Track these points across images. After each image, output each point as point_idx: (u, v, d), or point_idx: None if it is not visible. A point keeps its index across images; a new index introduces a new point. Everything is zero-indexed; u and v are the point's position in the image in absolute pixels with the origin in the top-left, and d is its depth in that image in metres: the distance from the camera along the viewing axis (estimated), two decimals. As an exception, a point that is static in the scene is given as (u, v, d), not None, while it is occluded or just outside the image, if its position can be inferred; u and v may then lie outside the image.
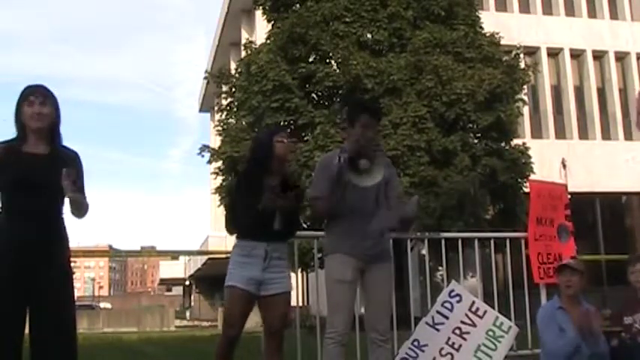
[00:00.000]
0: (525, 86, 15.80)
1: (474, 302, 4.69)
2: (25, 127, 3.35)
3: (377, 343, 3.87)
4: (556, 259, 6.15)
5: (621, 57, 22.78)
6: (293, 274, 6.55)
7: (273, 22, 15.23)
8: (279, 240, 3.92)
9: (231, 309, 3.91)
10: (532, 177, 14.68)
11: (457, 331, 4.54)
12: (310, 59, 14.16)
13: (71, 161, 3.41)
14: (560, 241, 6.29)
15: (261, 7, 15.61)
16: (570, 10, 22.82)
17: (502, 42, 15.07)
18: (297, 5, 14.59)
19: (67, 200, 3.39)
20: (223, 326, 3.97)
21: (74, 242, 3.69)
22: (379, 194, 3.89)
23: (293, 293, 4.30)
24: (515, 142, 14.87)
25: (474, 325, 4.57)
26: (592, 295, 5.07)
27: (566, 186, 7.54)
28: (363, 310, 4.07)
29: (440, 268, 6.64)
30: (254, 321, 4.05)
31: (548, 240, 6.23)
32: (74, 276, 3.63)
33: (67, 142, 3.54)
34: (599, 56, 22.66)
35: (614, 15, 23.11)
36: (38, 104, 3.33)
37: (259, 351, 5.26)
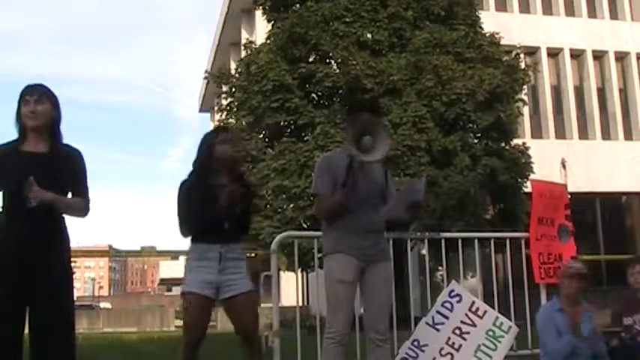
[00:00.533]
0: (525, 86, 15.81)
1: (473, 302, 4.69)
2: (24, 127, 3.36)
3: (376, 343, 3.87)
4: (556, 259, 6.15)
5: (621, 57, 22.78)
6: (293, 274, 6.56)
7: (273, 22, 15.23)
8: (233, 241, 3.83)
9: (189, 316, 3.81)
10: (532, 177, 14.70)
11: (457, 331, 4.54)
12: (310, 59, 14.17)
13: (71, 160, 3.42)
14: (561, 241, 6.28)
15: (261, 7, 15.62)
16: (570, 10, 22.82)
17: (502, 42, 15.08)
18: (297, 5, 14.59)
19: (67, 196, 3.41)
20: (183, 333, 3.85)
21: (74, 242, 3.69)
22: (382, 189, 3.93)
23: (293, 293, 4.29)
24: (515, 142, 14.88)
25: (474, 325, 4.57)
26: (592, 295, 5.06)
27: (566, 186, 7.53)
28: (362, 310, 4.06)
29: (440, 268, 6.64)
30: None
31: (549, 240, 6.23)
32: (74, 276, 3.63)
33: (67, 142, 3.54)
34: (599, 56, 22.66)
35: (614, 15, 23.11)
36: (33, 102, 3.34)
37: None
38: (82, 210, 3.44)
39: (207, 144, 3.92)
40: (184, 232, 3.89)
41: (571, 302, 4.50)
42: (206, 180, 3.84)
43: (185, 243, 3.99)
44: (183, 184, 3.91)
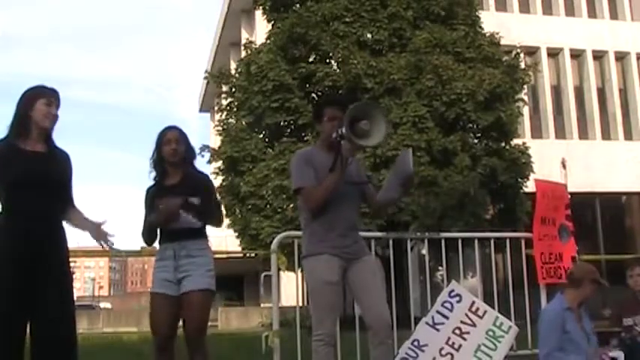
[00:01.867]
0: (525, 86, 15.81)
1: (473, 302, 4.69)
2: (30, 123, 3.35)
3: (378, 339, 3.83)
4: (557, 259, 6.15)
5: (621, 57, 22.78)
6: (293, 274, 6.55)
7: (273, 22, 15.23)
8: (188, 238, 3.79)
9: (153, 314, 3.82)
10: (532, 177, 14.70)
11: (457, 331, 4.53)
12: (310, 59, 14.17)
13: (65, 161, 3.46)
14: (561, 241, 6.28)
15: (261, 7, 15.61)
16: (570, 10, 22.82)
17: (502, 42, 15.08)
18: (297, 5, 14.59)
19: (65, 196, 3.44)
20: (152, 335, 3.83)
21: (74, 242, 3.70)
22: (361, 186, 3.90)
23: (293, 293, 4.27)
24: (515, 142, 14.88)
25: (473, 325, 4.57)
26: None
27: (566, 185, 7.53)
28: (359, 310, 4.04)
29: (440, 268, 6.64)
30: (256, 321, 4.04)
31: (551, 240, 6.23)
32: (74, 276, 3.64)
33: (66, 142, 3.57)
34: (599, 56, 22.66)
35: (614, 15, 23.11)
36: (55, 107, 3.39)
37: (260, 351, 5.26)
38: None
39: (157, 144, 3.87)
40: (146, 239, 3.90)
41: (579, 303, 4.48)
42: (162, 183, 3.85)
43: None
44: (149, 190, 3.89)
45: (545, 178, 7.54)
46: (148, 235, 3.89)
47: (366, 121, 3.60)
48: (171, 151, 3.82)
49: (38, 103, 3.35)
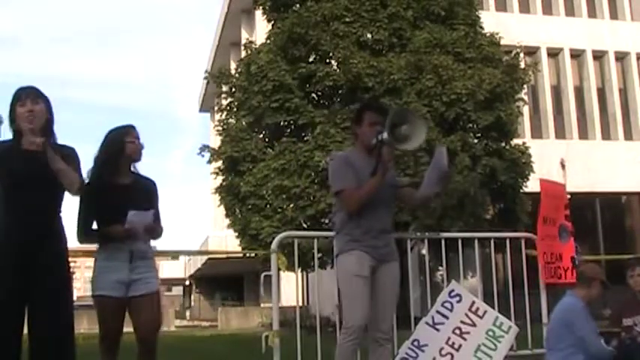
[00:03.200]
0: (525, 86, 15.80)
1: (473, 302, 4.69)
2: (18, 128, 3.38)
3: (379, 342, 3.88)
4: (558, 259, 6.16)
5: (621, 57, 22.77)
6: (293, 274, 6.55)
7: (273, 22, 15.23)
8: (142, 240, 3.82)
9: (104, 318, 3.75)
10: (532, 176, 14.70)
11: (457, 331, 4.54)
12: (310, 59, 14.16)
13: (68, 156, 3.45)
14: (561, 241, 6.29)
15: (261, 7, 15.61)
16: (570, 10, 22.81)
17: (502, 42, 15.07)
18: (297, 5, 14.58)
19: (65, 196, 3.43)
20: (100, 339, 3.77)
21: (74, 242, 3.70)
22: (395, 190, 4.07)
23: (293, 293, 4.29)
24: (515, 141, 14.87)
25: (473, 325, 4.57)
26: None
27: (564, 185, 7.53)
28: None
29: (440, 268, 6.64)
30: (256, 321, 4.03)
31: (551, 240, 6.24)
32: (74, 276, 3.65)
33: (65, 142, 3.57)
34: (599, 56, 22.65)
35: (614, 15, 23.10)
36: (30, 103, 3.38)
37: (260, 351, 5.26)
38: (76, 181, 3.45)
39: (118, 142, 3.83)
40: (85, 236, 3.81)
41: (589, 305, 4.48)
42: (112, 180, 3.79)
43: (185, 243, 3.99)
44: (89, 184, 3.77)
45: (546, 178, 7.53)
46: (90, 238, 3.83)
47: (406, 126, 3.75)
48: (136, 149, 3.84)
49: (16, 108, 3.40)
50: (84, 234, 3.80)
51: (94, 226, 3.82)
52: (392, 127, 3.71)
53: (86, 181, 3.71)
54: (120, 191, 3.77)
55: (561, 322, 4.44)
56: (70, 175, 3.39)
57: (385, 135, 3.70)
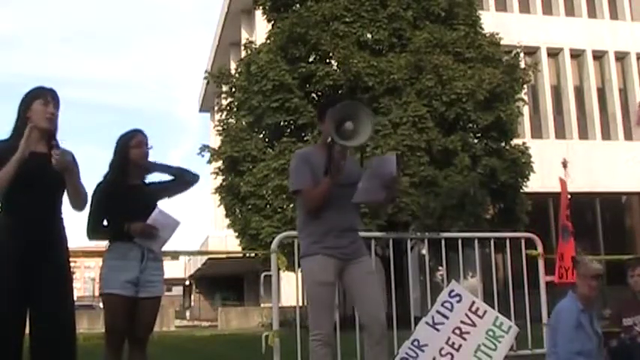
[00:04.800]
0: (525, 86, 15.82)
1: (473, 302, 4.68)
2: (32, 125, 3.35)
3: (374, 340, 3.84)
4: (559, 259, 6.16)
5: (621, 57, 22.78)
6: (293, 274, 6.55)
7: (273, 22, 15.24)
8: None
9: (114, 318, 3.77)
10: (532, 177, 14.71)
11: (457, 331, 4.53)
12: (310, 59, 14.17)
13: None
14: (562, 241, 6.29)
15: (261, 7, 15.62)
16: (570, 10, 22.82)
17: (502, 42, 15.09)
18: (297, 5, 14.59)
19: (66, 197, 3.41)
20: (107, 336, 3.79)
21: (74, 242, 3.70)
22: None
23: (293, 293, 4.29)
24: (515, 142, 14.89)
25: (473, 325, 4.57)
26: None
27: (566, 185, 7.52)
28: (356, 310, 4.04)
29: (440, 268, 6.64)
30: (256, 321, 4.03)
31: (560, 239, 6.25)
32: (74, 276, 3.65)
33: (67, 142, 3.56)
34: (599, 56, 22.66)
35: (614, 15, 23.11)
36: (52, 106, 3.36)
37: (260, 351, 5.26)
38: (84, 199, 3.46)
39: (123, 147, 3.90)
40: (95, 234, 3.87)
41: (590, 304, 4.47)
42: (124, 182, 3.86)
43: (185, 243, 4.00)
44: (99, 186, 3.88)
45: (545, 179, 7.54)
46: (99, 235, 3.89)
47: (350, 122, 3.58)
48: (140, 154, 3.88)
49: (35, 104, 3.35)
50: (94, 231, 3.86)
51: (104, 224, 3.89)
52: (338, 124, 3.56)
53: (101, 182, 3.85)
54: (130, 192, 3.83)
55: (551, 324, 4.47)
56: (81, 194, 3.42)
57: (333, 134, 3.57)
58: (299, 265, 4.02)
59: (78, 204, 3.44)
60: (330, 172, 3.67)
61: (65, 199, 3.45)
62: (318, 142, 4.07)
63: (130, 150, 3.87)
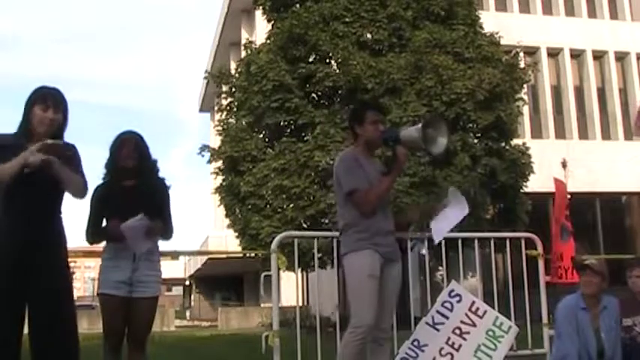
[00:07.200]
0: (525, 86, 15.80)
1: (473, 302, 4.69)
2: (30, 127, 3.35)
3: (379, 342, 3.88)
4: (558, 259, 6.16)
5: (621, 57, 22.77)
6: (293, 274, 6.55)
7: (273, 22, 15.23)
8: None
9: (108, 318, 3.81)
10: (532, 177, 14.70)
11: (457, 331, 4.54)
12: (310, 59, 14.16)
13: (69, 158, 3.44)
14: (561, 241, 6.29)
15: (261, 7, 15.61)
16: (570, 10, 22.81)
17: (502, 42, 15.07)
18: (297, 5, 14.58)
19: (65, 196, 3.41)
20: (104, 337, 3.83)
21: (74, 242, 3.70)
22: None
23: (293, 293, 4.29)
24: (515, 142, 14.88)
25: (473, 325, 4.58)
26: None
27: (565, 185, 7.53)
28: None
29: (440, 268, 6.63)
30: (256, 321, 4.03)
31: (555, 239, 6.25)
32: (74, 276, 3.65)
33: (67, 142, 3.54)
34: (599, 56, 22.65)
35: (614, 15, 23.10)
36: (52, 111, 3.34)
37: (260, 351, 5.26)
38: (82, 188, 3.45)
39: (114, 151, 3.94)
40: (94, 236, 3.90)
41: (593, 301, 4.47)
42: (118, 183, 3.90)
43: (185, 243, 4.00)
44: (97, 188, 3.91)
45: (545, 179, 7.54)
46: (98, 238, 3.91)
47: (431, 129, 3.86)
48: (125, 156, 3.89)
49: (35, 108, 3.35)
50: (93, 234, 3.90)
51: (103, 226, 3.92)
52: (423, 128, 3.79)
53: (98, 186, 3.87)
54: (123, 193, 3.85)
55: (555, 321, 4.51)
56: (75, 184, 3.39)
57: (401, 133, 3.81)
58: (299, 265, 4.06)
59: (76, 194, 3.43)
60: (393, 171, 3.88)
61: (66, 197, 3.45)
62: (356, 144, 4.11)
63: (117, 152, 3.91)
